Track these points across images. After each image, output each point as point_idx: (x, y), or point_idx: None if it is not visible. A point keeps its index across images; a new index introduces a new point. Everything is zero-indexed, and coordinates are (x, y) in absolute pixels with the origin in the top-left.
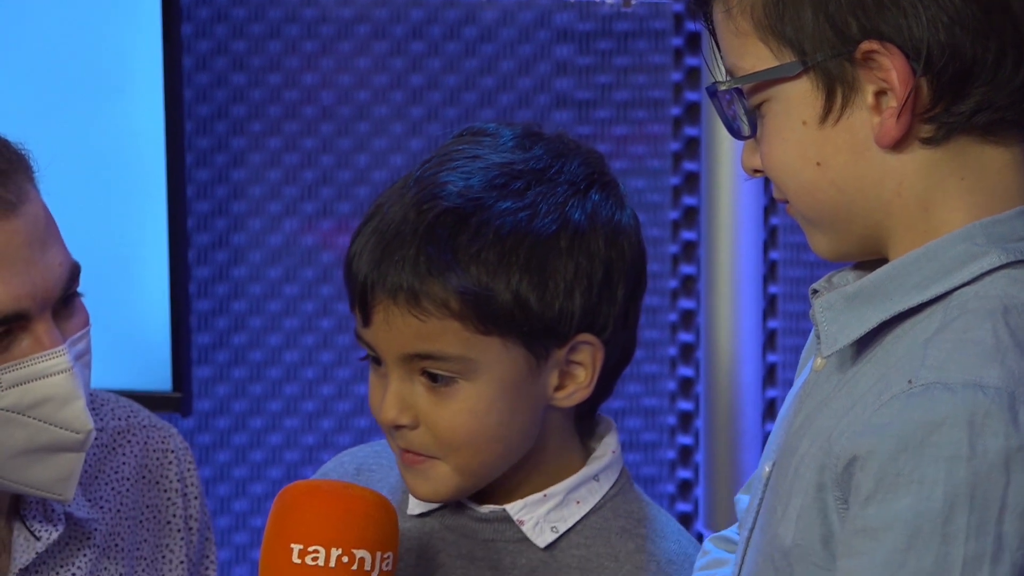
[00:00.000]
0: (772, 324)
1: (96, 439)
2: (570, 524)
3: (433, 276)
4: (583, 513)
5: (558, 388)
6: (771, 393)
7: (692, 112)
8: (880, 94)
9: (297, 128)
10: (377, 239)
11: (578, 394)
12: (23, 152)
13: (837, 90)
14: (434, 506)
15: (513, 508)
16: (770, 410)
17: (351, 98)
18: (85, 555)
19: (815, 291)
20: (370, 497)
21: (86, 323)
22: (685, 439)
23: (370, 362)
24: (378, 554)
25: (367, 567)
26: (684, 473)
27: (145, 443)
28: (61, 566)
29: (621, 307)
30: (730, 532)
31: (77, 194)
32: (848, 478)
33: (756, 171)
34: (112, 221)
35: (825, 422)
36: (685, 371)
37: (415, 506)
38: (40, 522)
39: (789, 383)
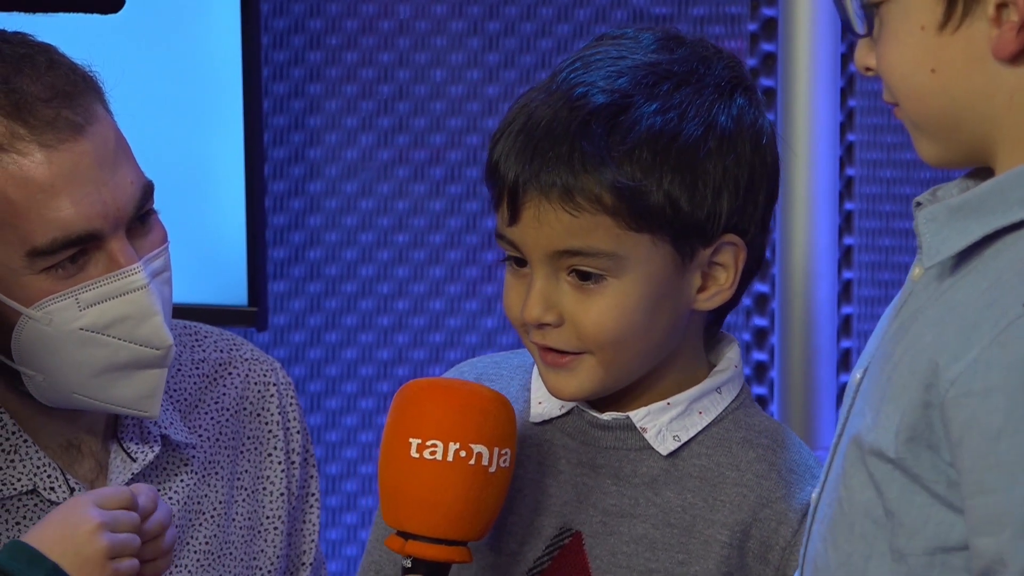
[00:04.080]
0: (848, 240)
1: (198, 369)
2: (692, 434)
3: (588, 171)
4: (705, 424)
5: (700, 290)
6: (846, 310)
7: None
8: (1001, 6)
9: (373, 42)
10: (526, 138)
11: (719, 296)
12: (91, 73)
13: None
14: (556, 414)
15: (636, 415)
16: (845, 327)
17: (428, 12)
18: (182, 480)
19: (919, 203)
20: (488, 394)
21: (163, 240)
22: (760, 355)
23: (508, 264)
24: (496, 450)
25: (485, 462)
26: (759, 389)
27: (247, 376)
28: (157, 489)
29: (762, 211)
30: None
31: (154, 110)
32: (964, 409)
33: (868, 69)
34: (189, 136)
35: (920, 331)
36: (760, 287)
37: (536, 414)
38: (137, 443)
39: (864, 300)
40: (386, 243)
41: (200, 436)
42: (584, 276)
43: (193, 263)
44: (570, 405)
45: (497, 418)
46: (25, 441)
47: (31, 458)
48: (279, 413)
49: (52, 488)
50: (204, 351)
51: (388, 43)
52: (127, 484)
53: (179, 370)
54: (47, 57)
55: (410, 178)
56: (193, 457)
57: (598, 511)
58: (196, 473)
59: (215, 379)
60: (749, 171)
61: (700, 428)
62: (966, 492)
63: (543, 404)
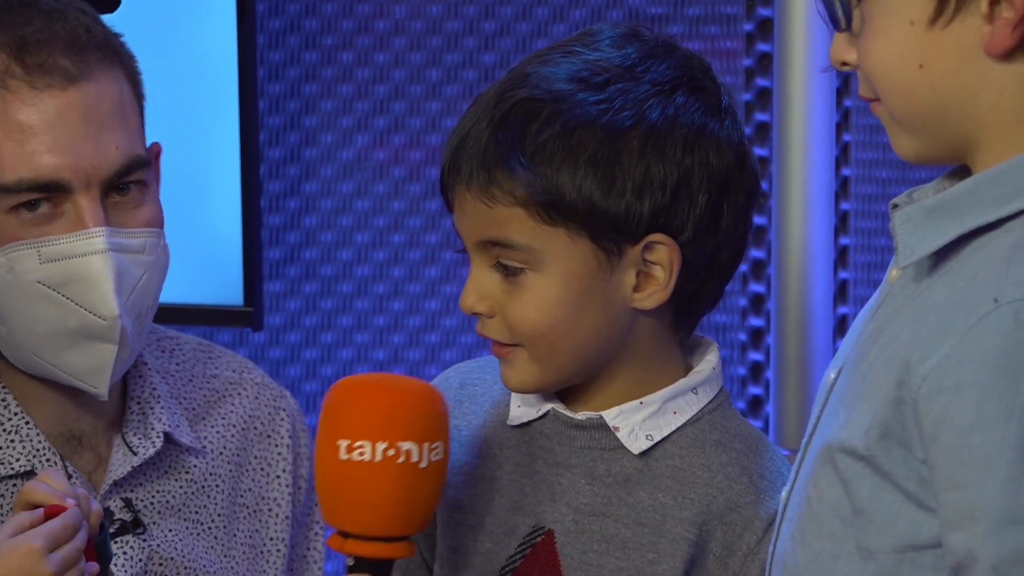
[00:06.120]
0: (844, 240)
1: (208, 383)
2: (665, 433)
3: (499, 164)
4: (679, 424)
5: (637, 289)
6: (842, 310)
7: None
8: (995, 2)
9: (368, 42)
10: (462, 125)
11: (657, 295)
12: (118, 41)
13: None
14: (533, 416)
15: (609, 414)
16: (841, 327)
17: (423, 12)
18: (180, 486)
19: (895, 205)
20: (415, 388)
21: (151, 224)
22: (756, 356)
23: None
24: (425, 445)
25: (414, 458)
26: (755, 390)
27: (256, 398)
28: (157, 490)
29: (703, 212)
30: None
31: (149, 109)
32: (936, 404)
33: (844, 64)
34: (184, 137)
35: (896, 331)
36: (756, 287)
37: (514, 417)
38: (139, 438)
39: (860, 300)
40: (381, 243)
41: (204, 448)
42: (507, 268)
43: (189, 263)
44: (546, 407)
45: (427, 413)
46: (27, 423)
47: (31, 440)
48: (290, 438)
49: None
50: (216, 368)
51: (383, 43)
52: (126, 477)
53: (191, 380)
54: (76, 8)
55: (405, 178)
56: (194, 465)
57: (571, 510)
58: (195, 482)
59: (225, 395)
60: (681, 171)
61: (674, 428)
62: (939, 487)
63: (521, 407)
